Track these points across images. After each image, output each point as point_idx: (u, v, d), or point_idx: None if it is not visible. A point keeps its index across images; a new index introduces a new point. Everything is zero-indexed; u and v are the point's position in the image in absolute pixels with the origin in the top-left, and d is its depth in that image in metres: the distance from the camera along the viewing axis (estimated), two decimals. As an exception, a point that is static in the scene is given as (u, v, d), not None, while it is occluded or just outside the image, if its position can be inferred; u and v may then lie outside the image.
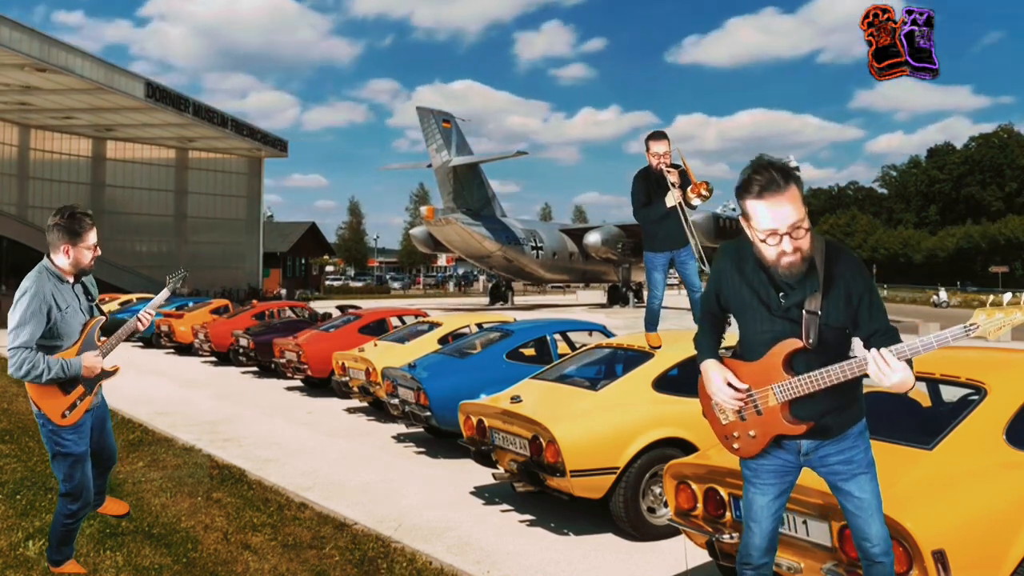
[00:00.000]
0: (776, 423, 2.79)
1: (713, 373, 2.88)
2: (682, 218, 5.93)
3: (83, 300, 3.91)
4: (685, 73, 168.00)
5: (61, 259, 3.81)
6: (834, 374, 2.65)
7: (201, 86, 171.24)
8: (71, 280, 3.86)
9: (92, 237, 3.85)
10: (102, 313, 4.05)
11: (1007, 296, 2.51)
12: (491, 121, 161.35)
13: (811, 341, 2.69)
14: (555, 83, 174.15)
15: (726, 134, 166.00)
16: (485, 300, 41.59)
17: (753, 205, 2.62)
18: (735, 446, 2.92)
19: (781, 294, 2.73)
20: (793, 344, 2.72)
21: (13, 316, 3.68)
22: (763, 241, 2.64)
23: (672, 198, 5.86)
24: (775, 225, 2.60)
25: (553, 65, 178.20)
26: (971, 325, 2.51)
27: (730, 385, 2.83)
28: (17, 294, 3.73)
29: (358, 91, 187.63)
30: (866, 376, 2.64)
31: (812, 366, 2.70)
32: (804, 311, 2.70)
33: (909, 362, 2.58)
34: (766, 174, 2.60)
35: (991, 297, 2.54)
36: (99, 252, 3.92)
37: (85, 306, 3.92)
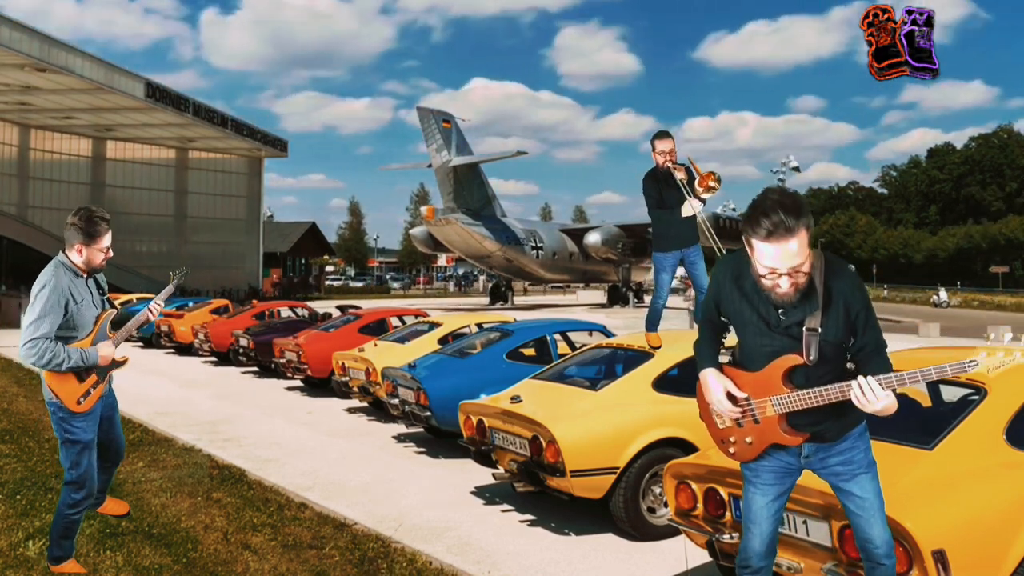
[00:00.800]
0: (773, 432, 2.81)
1: (713, 382, 2.90)
2: (699, 220, 6.00)
3: (96, 294, 4.12)
4: (724, 71, 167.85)
5: (75, 256, 4.02)
6: (832, 394, 2.67)
7: (243, 84, 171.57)
8: (85, 275, 4.06)
9: (106, 240, 4.05)
10: (112, 306, 4.25)
11: (1008, 335, 2.54)
12: (523, 117, 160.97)
13: (811, 358, 2.71)
14: (587, 80, 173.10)
15: (768, 130, 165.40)
16: (485, 300, 41.60)
17: (758, 244, 2.61)
18: (731, 451, 2.94)
19: (780, 311, 2.74)
20: (793, 360, 2.73)
21: (33, 308, 3.88)
22: (762, 276, 2.65)
23: (689, 208, 5.94)
24: (776, 264, 2.60)
25: (586, 60, 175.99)
26: (971, 362, 2.55)
27: (729, 395, 2.84)
28: (36, 287, 3.93)
29: (396, 89, 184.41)
30: None
31: (812, 379, 2.72)
32: (804, 329, 2.70)
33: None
34: (775, 216, 2.54)
35: (991, 335, 2.57)
36: (111, 255, 4.12)
37: (97, 300, 4.12)
